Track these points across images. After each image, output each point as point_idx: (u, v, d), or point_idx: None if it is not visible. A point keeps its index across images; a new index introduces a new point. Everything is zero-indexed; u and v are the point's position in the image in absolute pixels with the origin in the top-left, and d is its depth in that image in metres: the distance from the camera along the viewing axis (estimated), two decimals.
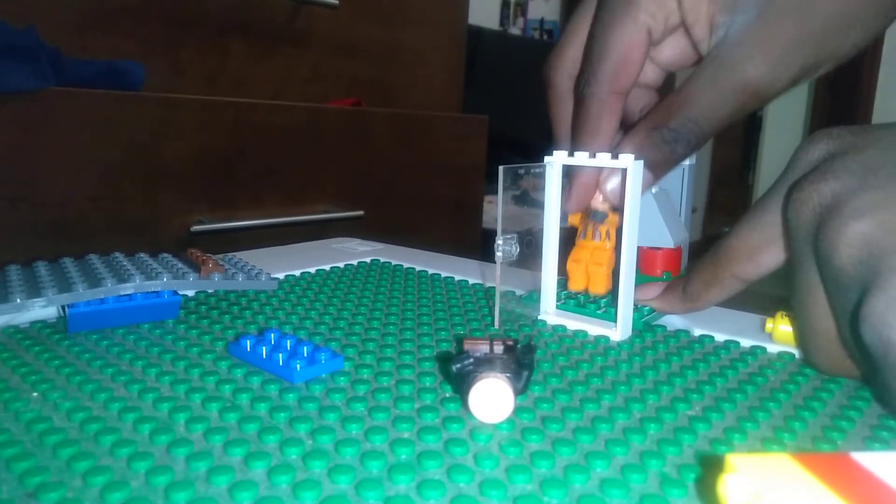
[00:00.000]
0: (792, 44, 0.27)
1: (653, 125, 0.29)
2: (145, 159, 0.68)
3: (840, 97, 2.74)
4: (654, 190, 0.33)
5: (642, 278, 0.34)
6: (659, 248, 0.34)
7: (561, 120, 0.34)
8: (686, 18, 0.29)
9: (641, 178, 0.29)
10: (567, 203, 0.32)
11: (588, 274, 0.33)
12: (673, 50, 0.31)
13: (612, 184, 0.31)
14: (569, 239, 0.33)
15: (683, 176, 0.35)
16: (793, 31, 0.27)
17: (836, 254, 0.21)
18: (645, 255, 0.34)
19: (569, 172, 0.32)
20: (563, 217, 0.33)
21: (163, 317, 0.31)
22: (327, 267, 0.44)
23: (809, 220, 0.23)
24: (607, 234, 0.32)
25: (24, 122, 0.60)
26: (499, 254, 0.30)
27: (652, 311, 0.32)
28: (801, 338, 0.27)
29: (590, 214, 0.32)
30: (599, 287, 0.33)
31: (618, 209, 0.31)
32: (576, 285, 0.34)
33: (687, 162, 0.35)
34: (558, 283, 0.36)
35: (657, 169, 0.30)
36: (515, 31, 2.48)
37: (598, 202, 0.32)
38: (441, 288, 0.39)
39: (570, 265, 0.34)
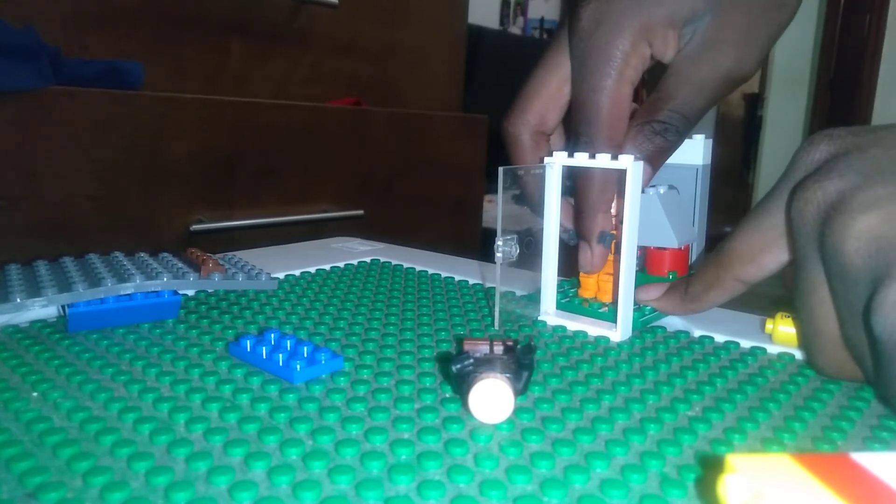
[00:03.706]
0: (751, 26, 0.30)
1: (641, 122, 0.31)
2: (145, 159, 0.68)
3: (840, 97, 2.74)
4: (661, 190, 0.33)
5: (649, 278, 0.34)
6: (665, 249, 0.34)
7: None
8: (656, 53, 0.31)
9: (641, 174, 0.30)
10: (587, 267, 0.33)
11: (599, 283, 0.34)
12: None
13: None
14: (576, 246, 0.34)
15: (697, 176, 0.35)
16: (748, 16, 0.30)
17: (843, 248, 0.21)
18: (652, 255, 0.34)
19: (583, 235, 0.32)
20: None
21: (163, 316, 0.31)
22: (327, 267, 0.44)
23: (814, 218, 0.23)
24: (617, 247, 0.32)
25: (24, 122, 0.60)
26: (499, 254, 0.30)
27: (653, 311, 0.33)
28: (805, 340, 0.27)
29: (598, 237, 0.33)
30: (608, 296, 0.33)
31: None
32: (587, 293, 0.35)
33: (700, 162, 0.35)
34: (568, 284, 0.36)
35: (653, 160, 0.31)
36: (515, 30, 2.48)
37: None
38: (441, 288, 0.39)
39: (582, 273, 0.34)
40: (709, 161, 0.35)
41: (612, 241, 0.32)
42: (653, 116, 0.31)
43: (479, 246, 1.09)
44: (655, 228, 0.33)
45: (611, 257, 0.33)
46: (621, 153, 0.30)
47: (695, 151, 0.35)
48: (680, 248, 0.34)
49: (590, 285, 0.34)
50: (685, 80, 0.31)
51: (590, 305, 0.33)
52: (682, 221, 0.34)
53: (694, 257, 0.36)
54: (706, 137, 0.35)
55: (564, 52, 0.33)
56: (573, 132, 0.32)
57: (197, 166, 0.73)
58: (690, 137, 0.35)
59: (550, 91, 0.33)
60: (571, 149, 0.31)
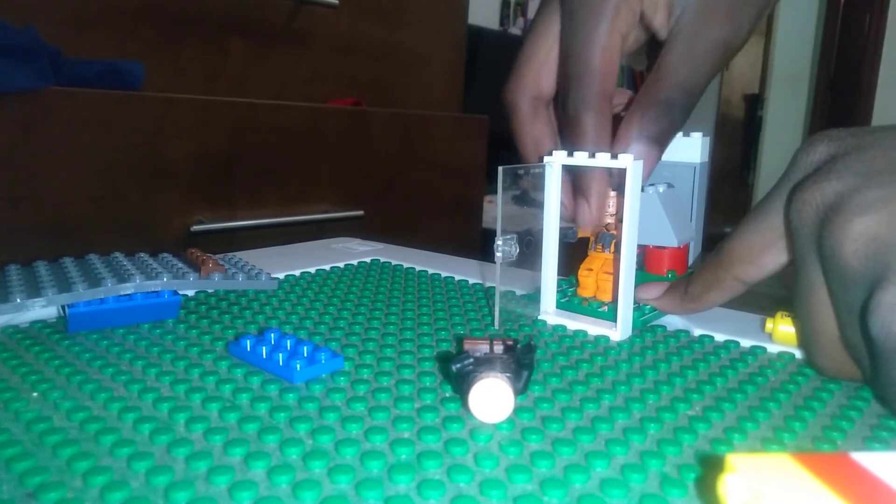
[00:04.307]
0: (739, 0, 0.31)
1: (646, 102, 0.31)
2: (145, 159, 0.68)
3: (840, 97, 2.75)
4: (661, 189, 0.33)
5: (648, 276, 0.34)
6: (664, 248, 0.34)
7: (526, 141, 0.35)
8: (646, 12, 0.31)
9: (642, 168, 0.30)
10: (585, 220, 0.33)
11: (598, 282, 0.34)
12: (632, 41, 0.34)
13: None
14: (576, 246, 0.34)
15: (695, 174, 0.35)
16: None
17: (841, 250, 0.21)
18: (651, 254, 0.34)
19: (579, 190, 0.32)
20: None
21: (163, 317, 0.31)
22: (327, 267, 0.44)
23: (812, 220, 0.23)
24: (616, 246, 0.32)
25: (24, 122, 0.60)
26: (498, 254, 0.30)
27: (653, 310, 0.33)
28: (804, 340, 0.27)
29: (598, 237, 0.33)
30: (607, 295, 0.33)
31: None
32: (586, 292, 0.35)
33: (697, 160, 0.35)
34: (566, 284, 0.36)
35: (661, 141, 0.31)
36: (515, 31, 2.48)
37: (607, 218, 0.33)
38: (441, 288, 0.39)
39: (582, 272, 0.34)
40: (707, 159, 0.35)
41: (612, 241, 0.32)
42: (656, 96, 0.31)
43: (479, 246, 1.09)
44: (655, 227, 0.33)
45: (608, 256, 0.33)
46: (625, 145, 0.30)
47: (692, 149, 0.35)
48: (679, 247, 0.34)
49: (589, 284, 0.34)
50: (685, 55, 0.31)
51: (589, 304, 0.33)
52: (682, 220, 0.34)
53: (692, 256, 0.36)
54: (704, 135, 0.35)
55: (553, 15, 0.33)
56: (561, 92, 0.32)
57: (197, 167, 0.73)
58: (688, 135, 0.35)
59: (541, 55, 0.34)
60: (561, 111, 0.32)
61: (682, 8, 0.31)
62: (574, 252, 0.34)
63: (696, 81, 0.31)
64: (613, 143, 0.31)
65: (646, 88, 0.31)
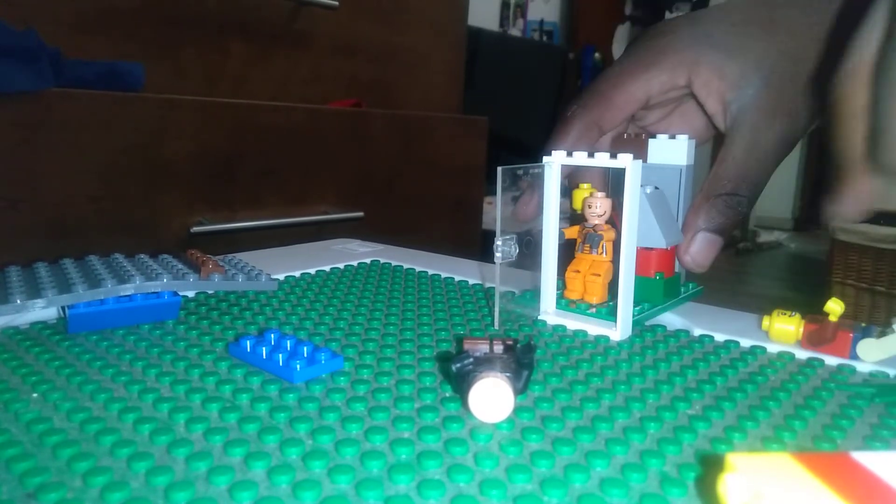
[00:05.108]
0: (798, 100, 0.32)
1: (713, 194, 0.33)
2: (145, 160, 0.68)
3: None
4: (648, 191, 0.33)
5: (636, 278, 0.34)
6: (652, 249, 0.34)
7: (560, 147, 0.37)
8: (698, 93, 0.34)
9: (707, 256, 0.32)
10: (519, 211, 0.35)
11: (585, 284, 0.33)
12: (685, 125, 0.38)
13: (697, 246, 0.33)
14: (568, 247, 0.34)
15: (681, 176, 0.35)
16: (795, 91, 0.32)
17: None
18: (639, 255, 0.34)
19: (531, 187, 0.34)
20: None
21: (163, 317, 0.31)
22: (327, 268, 0.44)
23: None
24: (604, 247, 0.32)
25: (24, 123, 0.60)
26: (498, 254, 0.30)
27: (644, 310, 0.32)
28: (875, 134, 0.24)
29: (585, 238, 0.33)
30: (594, 296, 0.33)
31: (614, 225, 0.32)
32: (573, 294, 0.34)
33: (684, 163, 0.35)
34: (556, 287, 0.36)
35: (726, 232, 0.33)
36: (515, 32, 2.49)
37: (595, 219, 0.32)
38: (441, 288, 0.39)
39: (569, 275, 0.34)
40: (692, 161, 0.35)
41: (600, 242, 0.32)
42: (723, 189, 0.32)
43: (479, 246, 1.09)
44: (643, 228, 0.33)
45: (595, 257, 0.33)
46: (691, 234, 0.32)
47: (678, 152, 0.35)
48: (667, 249, 0.34)
49: (576, 287, 0.34)
50: (749, 150, 0.32)
51: (577, 307, 0.33)
52: (670, 222, 0.34)
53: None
54: (690, 138, 0.35)
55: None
56: (580, 99, 0.36)
57: (197, 168, 0.73)
58: (674, 138, 0.35)
59: (615, 97, 0.36)
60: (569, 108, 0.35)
61: (739, 104, 0.32)
62: (565, 255, 0.34)
63: (761, 174, 0.32)
64: (686, 222, 0.34)
65: (712, 180, 0.33)
